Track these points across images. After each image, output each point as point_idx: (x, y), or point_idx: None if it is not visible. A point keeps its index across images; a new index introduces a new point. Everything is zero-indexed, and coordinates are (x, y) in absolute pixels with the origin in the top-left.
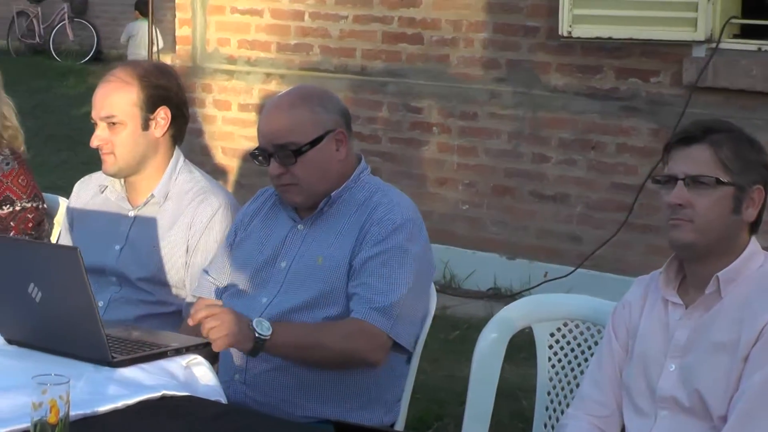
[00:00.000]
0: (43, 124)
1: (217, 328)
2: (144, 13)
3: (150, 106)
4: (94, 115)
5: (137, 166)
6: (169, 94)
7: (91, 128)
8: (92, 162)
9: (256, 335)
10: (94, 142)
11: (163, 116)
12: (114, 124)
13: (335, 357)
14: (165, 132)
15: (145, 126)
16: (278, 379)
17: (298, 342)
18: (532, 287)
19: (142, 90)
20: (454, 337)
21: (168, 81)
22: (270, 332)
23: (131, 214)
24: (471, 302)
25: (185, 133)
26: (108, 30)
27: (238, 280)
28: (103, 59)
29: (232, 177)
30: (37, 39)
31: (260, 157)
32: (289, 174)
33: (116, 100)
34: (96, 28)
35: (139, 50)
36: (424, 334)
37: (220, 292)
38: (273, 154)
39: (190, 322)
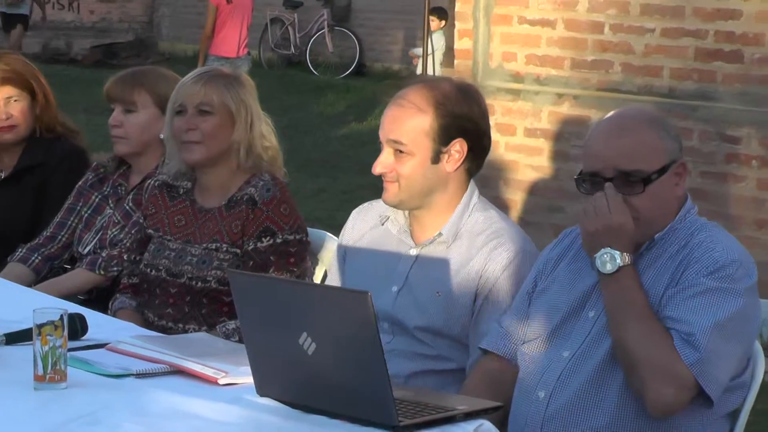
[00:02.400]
0: (297, 146)
1: None
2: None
3: (444, 138)
4: (382, 136)
5: (423, 200)
6: (469, 124)
7: (351, 152)
8: (353, 191)
9: None
10: (377, 168)
11: (458, 149)
12: (401, 152)
13: (630, 362)
14: (458, 166)
15: (436, 159)
16: None
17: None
18: None
19: (437, 119)
20: None
21: (469, 108)
22: None
23: (413, 252)
24: None
25: (483, 165)
26: (372, 40)
27: (537, 331)
28: (366, 73)
29: (515, 213)
30: (292, 49)
31: (588, 183)
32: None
33: (406, 128)
34: (358, 38)
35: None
36: (747, 406)
37: (514, 345)
38: (612, 179)
39: None
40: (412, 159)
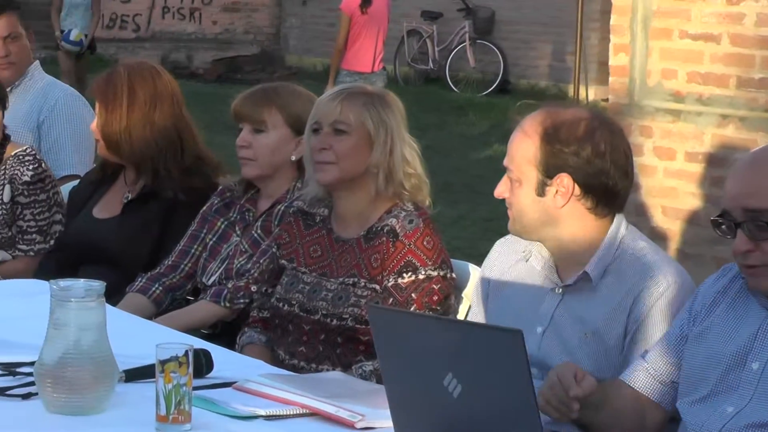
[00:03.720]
0: (435, 170)
1: None
2: None
3: (549, 170)
4: (505, 161)
5: (539, 233)
6: (578, 161)
7: (494, 177)
8: (497, 218)
9: None
10: (495, 192)
11: (563, 185)
12: (511, 179)
13: None
14: (566, 203)
15: (541, 191)
16: None
17: None
18: None
19: (542, 148)
20: None
21: (584, 143)
22: None
23: (559, 290)
24: None
25: (624, 202)
26: (517, 54)
27: (695, 381)
28: (510, 91)
29: (674, 244)
30: (431, 64)
31: (723, 226)
32: (760, 252)
33: (514, 153)
34: (502, 52)
35: None
36: None
37: (656, 383)
38: (741, 223)
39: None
40: (520, 188)
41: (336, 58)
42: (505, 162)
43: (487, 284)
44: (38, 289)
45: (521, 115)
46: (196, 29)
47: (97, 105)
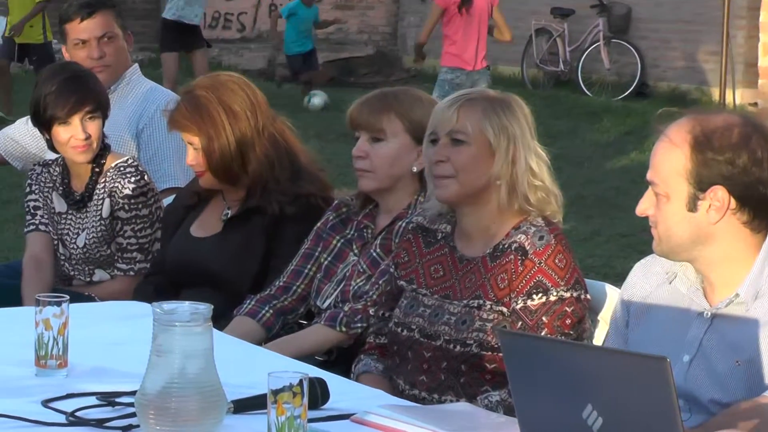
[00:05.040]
0: (567, 181)
1: None
2: None
3: (701, 182)
4: (648, 175)
5: (690, 253)
6: (733, 170)
7: (632, 189)
8: (633, 234)
9: None
10: (637, 210)
11: (718, 198)
12: (657, 194)
13: None
14: (720, 218)
15: (692, 206)
16: None
17: None
18: None
19: (693, 159)
20: None
21: (740, 151)
22: None
23: (707, 315)
24: None
25: None
26: (656, 55)
27: None
28: (649, 95)
29: None
30: (561, 66)
31: None
32: None
33: (660, 165)
34: (640, 53)
35: None
36: None
37: None
38: None
39: None
40: (667, 203)
41: (419, 49)
42: (649, 176)
43: (627, 309)
44: (139, 312)
45: (664, 123)
46: None
47: (188, 137)
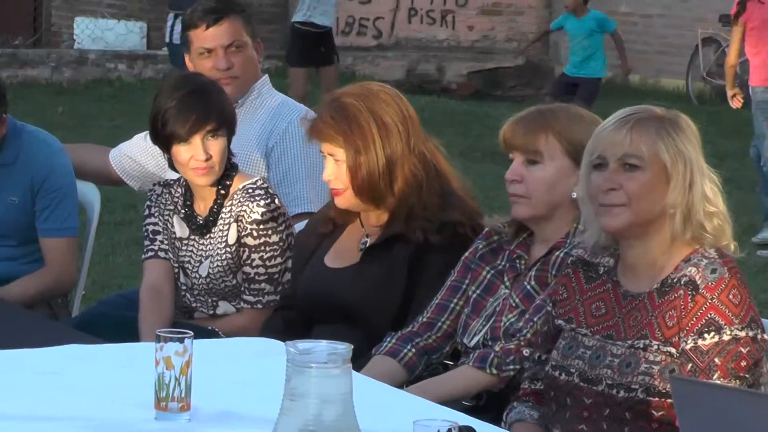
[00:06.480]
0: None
1: None
2: None
3: None
4: None
5: None
6: None
7: None
8: None
9: None
10: None
11: None
12: None
13: None
14: None
15: None
16: None
17: None
18: None
19: None
20: None
21: None
22: None
23: None
24: None
25: None
26: None
27: None
28: None
29: None
30: None
31: None
32: None
33: None
34: None
35: None
36: None
37: None
38: None
39: None
40: None
41: (730, 76)
42: None
43: None
44: (268, 350)
45: None
46: (449, 35)
47: (330, 148)
